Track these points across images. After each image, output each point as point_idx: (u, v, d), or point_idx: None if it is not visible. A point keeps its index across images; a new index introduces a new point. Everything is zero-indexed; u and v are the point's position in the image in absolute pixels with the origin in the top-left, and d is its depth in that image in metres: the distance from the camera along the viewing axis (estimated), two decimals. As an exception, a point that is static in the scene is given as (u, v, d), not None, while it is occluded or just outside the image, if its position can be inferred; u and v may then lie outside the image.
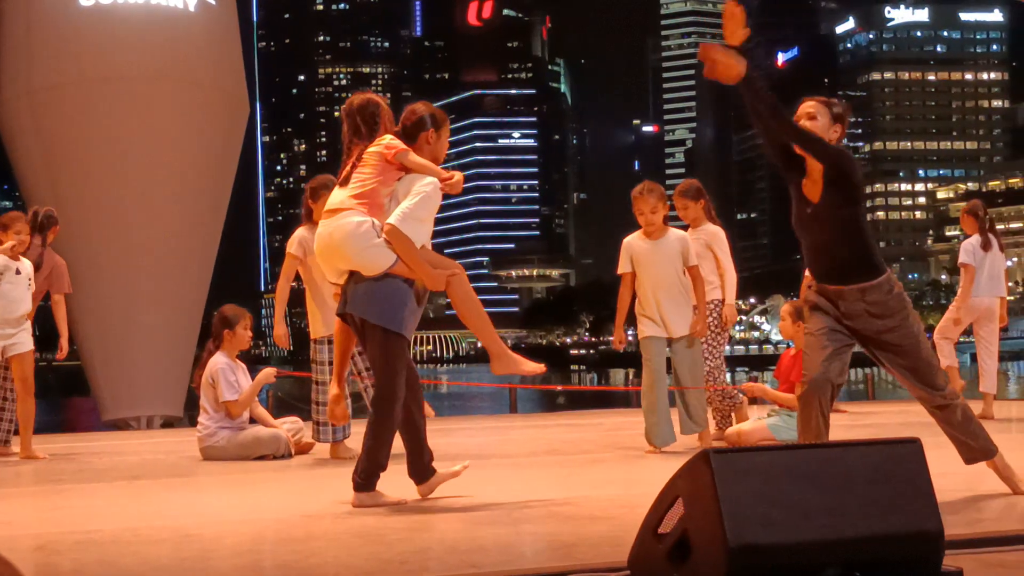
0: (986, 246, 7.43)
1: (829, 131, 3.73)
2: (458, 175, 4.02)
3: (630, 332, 6.51)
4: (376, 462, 3.92)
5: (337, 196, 4.03)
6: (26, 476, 5.48)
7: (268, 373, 6.35)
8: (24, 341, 6.34)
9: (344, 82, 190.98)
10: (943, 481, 3.41)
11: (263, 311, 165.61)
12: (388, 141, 4.01)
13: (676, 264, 5.73)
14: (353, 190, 3.97)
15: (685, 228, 6.42)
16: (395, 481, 4.07)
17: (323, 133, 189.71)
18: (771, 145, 3.77)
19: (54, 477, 5.40)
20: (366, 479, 3.92)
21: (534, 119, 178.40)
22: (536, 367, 4.03)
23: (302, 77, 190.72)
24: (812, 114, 3.73)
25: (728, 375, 6.68)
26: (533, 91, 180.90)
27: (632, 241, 5.83)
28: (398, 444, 4.05)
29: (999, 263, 7.51)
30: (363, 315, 3.91)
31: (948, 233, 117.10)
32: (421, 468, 4.08)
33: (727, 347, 6.31)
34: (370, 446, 3.92)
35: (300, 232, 5.84)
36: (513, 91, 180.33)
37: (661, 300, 5.69)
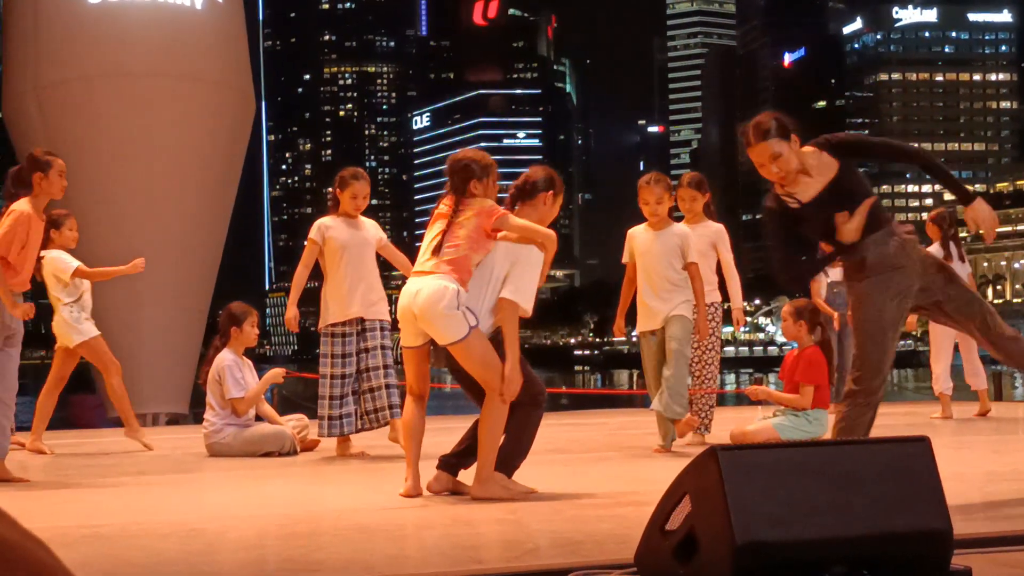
0: (947, 258, 7.71)
1: (794, 151, 3.59)
2: (552, 234, 4.04)
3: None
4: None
5: (428, 259, 4.02)
6: (33, 471, 5.49)
7: (276, 373, 6.35)
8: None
9: (349, 81, 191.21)
10: (954, 481, 3.41)
11: (268, 310, 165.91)
12: (489, 207, 3.98)
13: (672, 259, 5.66)
14: (445, 255, 3.98)
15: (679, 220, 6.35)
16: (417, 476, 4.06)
17: (328, 132, 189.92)
18: (787, 234, 3.69)
19: (61, 472, 5.42)
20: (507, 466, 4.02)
21: (539, 119, 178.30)
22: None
23: (307, 76, 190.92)
24: (776, 154, 3.58)
25: (720, 378, 6.62)
26: (538, 91, 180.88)
27: (635, 231, 5.84)
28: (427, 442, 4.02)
29: (962, 272, 7.80)
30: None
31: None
32: (454, 464, 4.14)
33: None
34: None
35: (323, 220, 5.81)
36: (518, 91, 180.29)
37: (655, 293, 5.66)
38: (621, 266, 5.91)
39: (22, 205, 4.96)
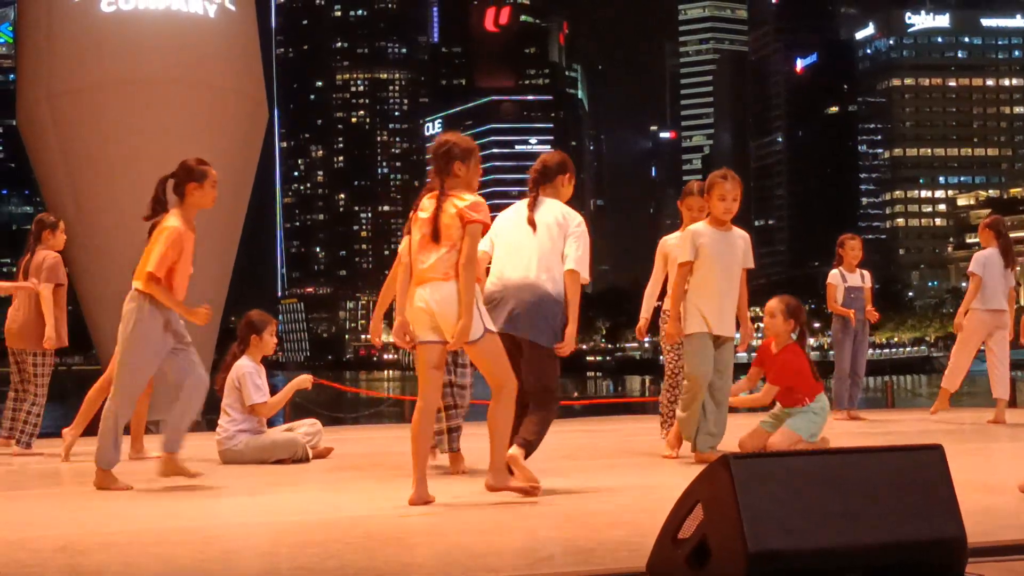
0: (1008, 265, 7.76)
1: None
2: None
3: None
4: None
5: (428, 256, 4.06)
6: (48, 478, 5.52)
7: (304, 380, 6.37)
8: None
9: (361, 88, 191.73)
10: (968, 488, 3.39)
11: (280, 316, 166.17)
12: (470, 206, 4.05)
13: (740, 261, 5.42)
14: (444, 249, 4.04)
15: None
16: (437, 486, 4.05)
17: (340, 139, 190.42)
18: None
19: (75, 479, 5.45)
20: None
21: (551, 125, 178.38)
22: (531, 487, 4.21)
23: (320, 83, 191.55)
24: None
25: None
26: (550, 97, 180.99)
27: (701, 229, 5.42)
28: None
29: (1011, 280, 7.86)
30: (528, 335, 4.37)
31: (968, 240, 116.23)
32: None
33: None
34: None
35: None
36: (530, 97, 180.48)
37: (722, 295, 5.34)
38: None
39: (173, 221, 4.89)
